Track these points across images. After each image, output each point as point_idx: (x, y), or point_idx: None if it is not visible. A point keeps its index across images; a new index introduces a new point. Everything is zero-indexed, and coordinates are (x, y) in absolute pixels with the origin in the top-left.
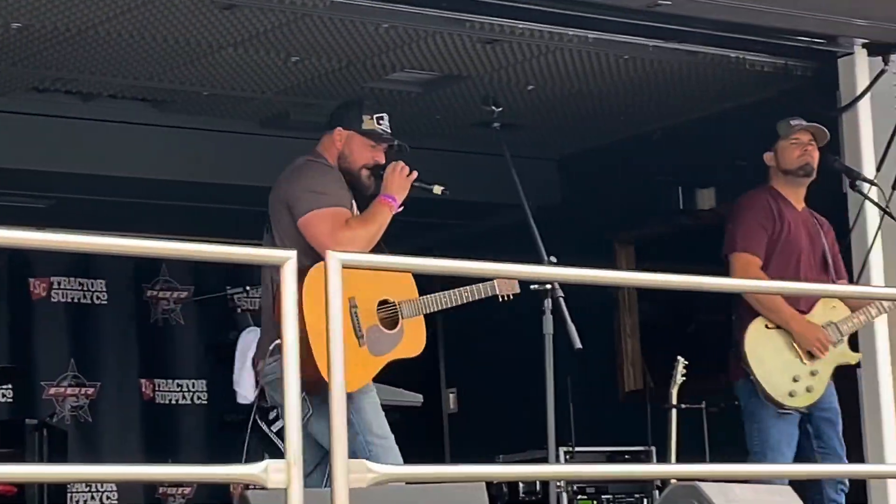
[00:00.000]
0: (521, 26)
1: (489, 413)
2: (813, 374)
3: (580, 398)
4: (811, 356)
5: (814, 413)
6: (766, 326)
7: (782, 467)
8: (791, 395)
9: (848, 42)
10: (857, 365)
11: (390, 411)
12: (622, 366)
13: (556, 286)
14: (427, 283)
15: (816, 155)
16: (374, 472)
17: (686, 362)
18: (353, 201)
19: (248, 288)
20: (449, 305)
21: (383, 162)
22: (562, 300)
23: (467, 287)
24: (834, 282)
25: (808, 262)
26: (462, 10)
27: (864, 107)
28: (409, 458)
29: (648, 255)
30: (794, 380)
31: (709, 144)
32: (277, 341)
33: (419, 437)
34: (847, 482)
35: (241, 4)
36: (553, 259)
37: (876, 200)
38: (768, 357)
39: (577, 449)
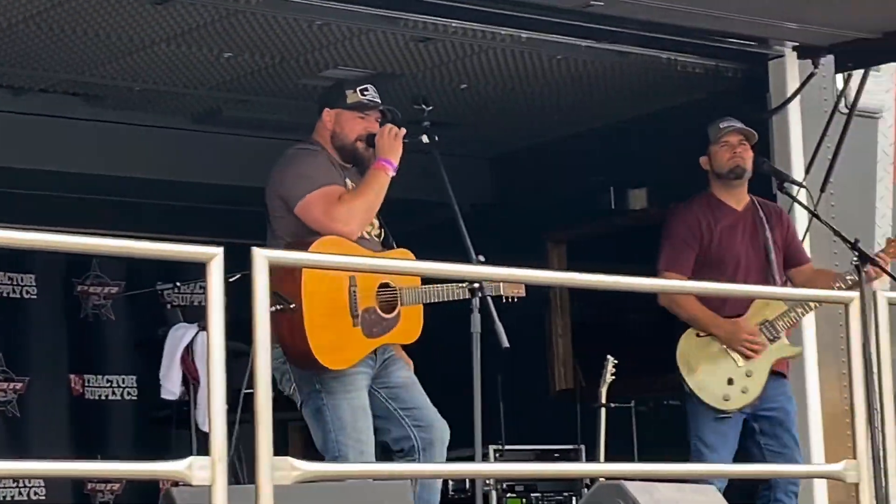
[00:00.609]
0: (454, 25)
1: None
2: (748, 374)
3: (510, 397)
4: (746, 357)
5: (757, 413)
6: (697, 335)
7: (707, 467)
8: (726, 398)
9: (778, 45)
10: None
11: None
12: (553, 365)
13: (485, 285)
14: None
15: (749, 155)
16: (299, 470)
17: (616, 362)
18: (349, 178)
19: (178, 284)
20: (451, 299)
21: (376, 131)
22: (490, 299)
23: (474, 284)
24: (774, 279)
25: (746, 265)
26: (396, 8)
27: (794, 109)
28: None
29: (580, 255)
30: (729, 383)
31: (641, 145)
32: None
33: None
34: (799, 483)
35: (174, 0)
36: (481, 258)
37: (804, 203)
38: (700, 365)
39: (506, 447)
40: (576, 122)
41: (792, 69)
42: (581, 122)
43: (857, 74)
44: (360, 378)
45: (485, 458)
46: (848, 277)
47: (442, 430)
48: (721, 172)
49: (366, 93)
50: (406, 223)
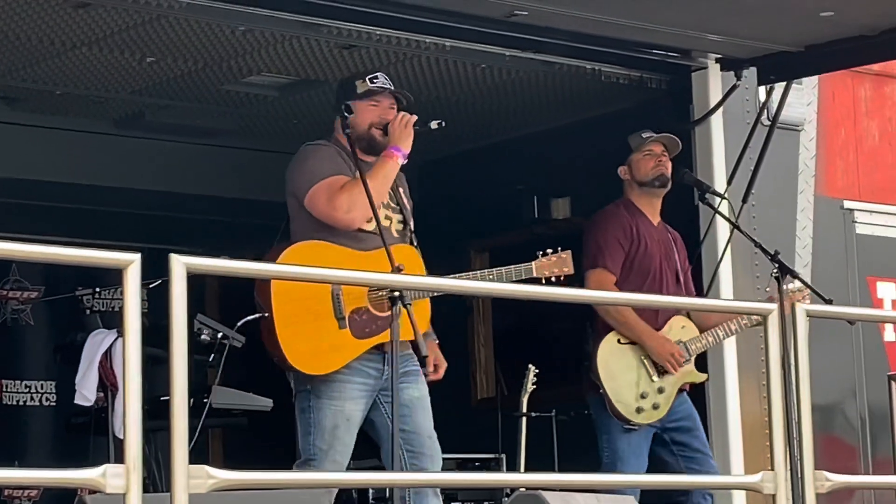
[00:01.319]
0: (378, 32)
1: None
2: (660, 391)
3: (432, 405)
4: (661, 373)
5: (665, 425)
6: (619, 341)
7: (624, 477)
8: (638, 410)
9: (702, 56)
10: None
11: (239, 416)
12: (475, 373)
13: (404, 294)
14: None
15: (670, 165)
16: (215, 478)
17: (537, 371)
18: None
19: (97, 289)
20: (461, 293)
21: (391, 118)
22: (409, 308)
23: (493, 270)
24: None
25: (663, 279)
26: (320, 15)
27: (717, 121)
28: (259, 464)
29: (503, 264)
30: (642, 396)
31: (565, 154)
32: None
33: (271, 442)
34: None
35: (95, 3)
36: (401, 267)
37: (726, 214)
38: (619, 372)
39: None
40: (500, 131)
41: (715, 81)
42: (505, 130)
43: (780, 87)
44: (354, 388)
45: None
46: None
47: (432, 460)
48: (644, 181)
49: (375, 80)
50: None
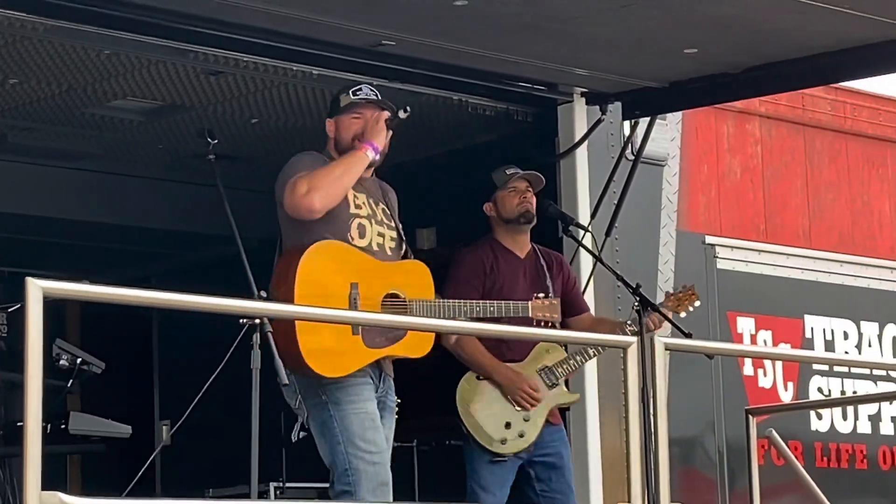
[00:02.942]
0: (245, 59)
1: (202, 446)
2: (526, 419)
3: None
4: (521, 406)
5: (532, 458)
6: (477, 377)
7: None
8: (503, 442)
9: (568, 90)
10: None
11: (97, 442)
12: None
13: (266, 321)
14: None
15: (534, 201)
16: None
17: (398, 401)
18: (361, 190)
19: None
20: (468, 315)
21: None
22: (270, 335)
23: (494, 302)
24: (554, 327)
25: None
26: (186, 41)
27: (582, 154)
28: (118, 491)
29: None
30: (507, 426)
31: (431, 185)
32: None
33: (129, 469)
34: None
35: None
36: (263, 294)
37: (589, 247)
38: (479, 407)
39: (287, 484)
40: None
41: (580, 115)
42: None
43: (644, 122)
44: (366, 389)
45: (264, 495)
46: (628, 328)
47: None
48: (510, 218)
49: (358, 93)
50: (193, 255)
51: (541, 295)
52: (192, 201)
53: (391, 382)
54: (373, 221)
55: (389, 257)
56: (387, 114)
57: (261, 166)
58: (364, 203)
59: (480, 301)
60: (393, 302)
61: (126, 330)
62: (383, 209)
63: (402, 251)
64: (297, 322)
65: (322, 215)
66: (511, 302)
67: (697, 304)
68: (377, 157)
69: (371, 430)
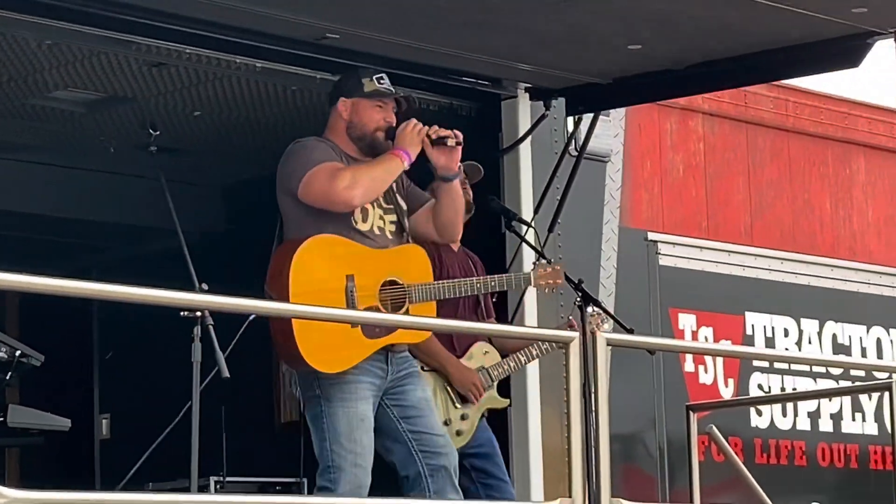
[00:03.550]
0: (188, 51)
1: (142, 440)
2: (463, 418)
3: (234, 428)
4: (463, 400)
5: (466, 452)
6: (422, 368)
7: (416, 501)
8: None
9: (512, 85)
10: (504, 409)
11: (36, 435)
12: (279, 397)
13: (207, 314)
14: None
15: (471, 192)
16: (6, 497)
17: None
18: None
19: None
20: (469, 293)
21: (394, 122)
22: (211, 328)
23: (495, 276)
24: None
25: (464, 304)
26: (128, 32)
27: (525, 150)
28: (57, 485)
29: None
30: (445, 423)
31: None
32: None
33: (68, 463)
34: None
35: None
36: (205, 286)
37: (532, 242)
38: None
39: (228, 479)
40: None
41: (524, 110)
42: None
43: (588, 118)
44: (363, 388)
45: (204, 489)
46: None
47: (450, 457)
48: None
49: (382, 81)
50: (136, 248)
51: (543, 262)
52: (135, 194)
53: (404, 356)
54: (374, 205)
55: (390, 241)
56: (426, 129)
57: (203, 159)
58: None
59: (480, 278)
60: (391, 289)
61: (66, 322)
62: (384, 193)
63: (403, 236)
64: (295, 320)
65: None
66: (513, 274)
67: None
68: (408, 168)
69: (358, 430)
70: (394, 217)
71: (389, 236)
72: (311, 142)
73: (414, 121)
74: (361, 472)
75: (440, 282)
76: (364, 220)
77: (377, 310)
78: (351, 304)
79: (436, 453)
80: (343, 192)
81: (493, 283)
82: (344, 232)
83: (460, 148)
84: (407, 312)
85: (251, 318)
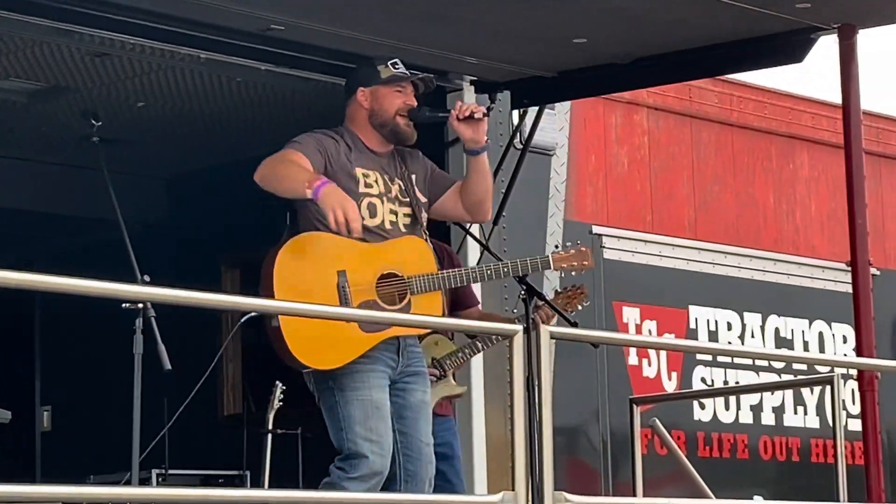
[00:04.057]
0: (132, 42)
1: (84, 432)
2: None
3: (177, 420)
4: None
5: None
6: None
7: (360, 495)
8: None
9: (457, 78)
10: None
11: None
12: (222, 389)
13: (149, 305)
14: None
15: None
16: None
17: (284, 388)
18: (368, 166)
19: None
20: (478, 281)
21: (415, 104)
22: (153, 320)
23: (508, 262)
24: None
25: None
26: (71, 22)
27: None
28: None
29: (256, 279)
30: None
31: None
32: None
33: (9, 455)
34: None
35: None
36: (146, 278)
37: (476, 236)
38: None
39: (170, 471)
40: (254, 146)
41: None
42: (260, 145)
43: (533, 111)
44: (374, 376)
45: (146, 481)
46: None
47: (427, 467)
48: None
49: (397, 66)
50: (79, 239)
51: (567, 245)
52: (78, 184)
53: (416, 351)
54: (385, 199)
55: (405, 235)
56: (351, 211)
57: (147, 150)
58: (376, 181)
59: (490, 264)
60: (390, 282)
61: (7, 314)
62: (399, 186)
63: (418, 228)
64: (283, 323)
65: None
66: (528, 258)
67: (587, 303)
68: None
69: (374, 418)
70: (408, 210)
71: (403, 230)
72: (309, 135)
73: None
74: (380, 459)
75: (445, 271)
76: (373, 216)
77: (374, 305)
78: (344, 300)
79: (417, 460)
80: (260, 166)
81: (505, 270)
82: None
83: (486, 119)
84: (408, 304)
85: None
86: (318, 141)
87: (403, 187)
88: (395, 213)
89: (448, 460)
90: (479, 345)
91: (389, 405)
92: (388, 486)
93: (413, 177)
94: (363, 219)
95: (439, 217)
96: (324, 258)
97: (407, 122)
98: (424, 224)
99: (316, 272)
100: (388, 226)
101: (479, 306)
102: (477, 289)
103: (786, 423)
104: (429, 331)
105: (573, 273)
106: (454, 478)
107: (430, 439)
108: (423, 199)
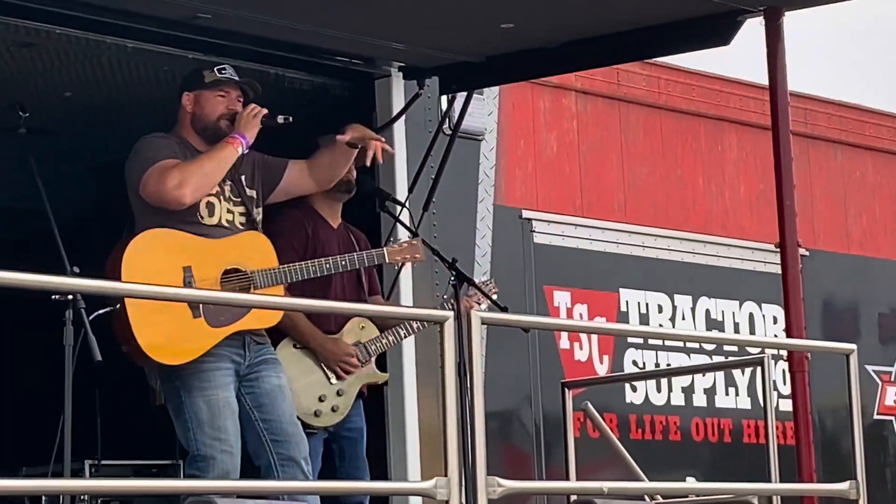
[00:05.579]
0: (58, 31)
1: (16, 424)
2: (339, 393)
3: (109, 411)
4: (338, 375)
5: (339, 432)
6: (294, 346)
7: (292, 483)
8: (316, 414)
9: (385, 64)
10: (385, 384)
11: None
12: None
13: (79, 297)
14: None
15: (355, 172)
16: None
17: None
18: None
19: None
20: (319, 275)
21: (239, 110)
22: (83, 311)
23: (346, 256)
24: (367, 300)
25: (342, 284)
26: None
27: (399, 129)
28: None
29: None
30: (321, 399)
31: None
32: None
33: None
34: (367, 501)
35: None
36: (76, 269)
37: (406, 223)
38: (294, 378)
39: (103, 462)
40: None
41: (398, 89)
42: None
43: (461, 97)
44: (220, 375)
45: (79, 472)
46: (447, 303)
47: (300, 447)
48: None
49: (223, 71)
50: (7, 232)
51: (400, 240)
52: (5, 176)
53: (261, 342)
54: (221, 199)
55: (236, 230)
56: (265, 111)
57: (75, 141)
58: None
59: (330, 258)
60: (233, 277)
61: None
62: (231, 186)
63: (254, 226)
64: (132, 317)
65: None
66: (364, 252)
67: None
68: (246, 151)
69: (221, 416)
70: (242, 209)
71: (241, 227)
72: (154, 139)
73: (251, 105)
74: (229, 457)
75: (286, 266)
76: (211, 215)
77: None
78: None
79: (285, 442)
80: (172, 191)
81: (343, 263)
82: (188, 227)
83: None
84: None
85: None
86: (162, 144)
87: (234, 188)
88: (232, 213)
89: (357, 444)
90: (402, 332)
91: (237, 402)
92: (267, 473)
93: (242, 177)
94: (202, 218)
95: (286, 196)
96: (169, 255)
97: (228, 124)
98: (259, 220)
99: (162, 268)
100: (225, 224)
101: (409, 287)
102: (406, 273)
103: (717, 405)
104: (275, 323)
105: (405, 266)
106: (359, 462)
107: (294, 420)
108: (254, 196)
